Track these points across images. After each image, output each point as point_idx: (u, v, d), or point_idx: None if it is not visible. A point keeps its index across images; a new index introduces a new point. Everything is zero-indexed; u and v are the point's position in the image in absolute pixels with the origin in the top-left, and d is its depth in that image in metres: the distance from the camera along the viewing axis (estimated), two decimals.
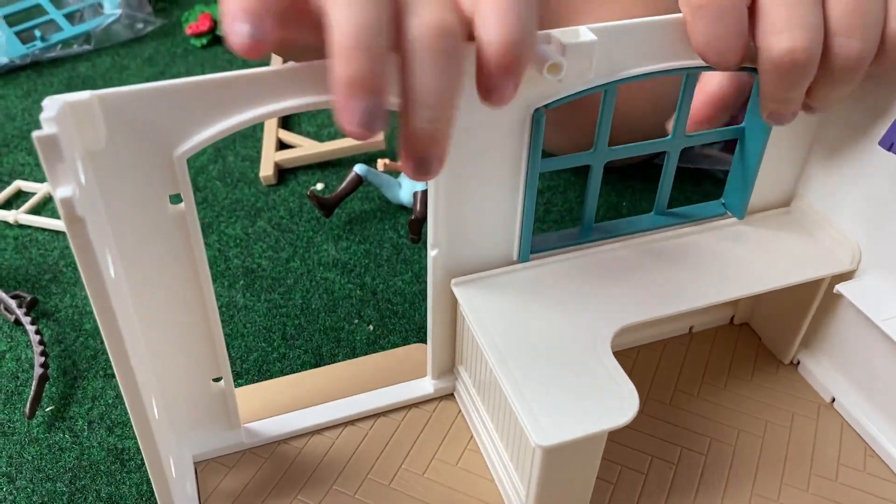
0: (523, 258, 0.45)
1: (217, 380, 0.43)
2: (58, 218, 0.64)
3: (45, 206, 0.66)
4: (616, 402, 0.38)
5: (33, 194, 0.67)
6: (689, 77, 0.42)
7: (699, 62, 0.40)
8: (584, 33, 0.37)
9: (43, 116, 0.28)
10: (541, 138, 0.40)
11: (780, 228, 0.48)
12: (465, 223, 0.42)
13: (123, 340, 0.33)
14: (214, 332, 0.41)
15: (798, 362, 0.52)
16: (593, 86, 0.39)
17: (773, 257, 0.46)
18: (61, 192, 0.28)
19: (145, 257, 0.37)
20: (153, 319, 0.39)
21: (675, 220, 0.48)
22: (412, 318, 0.57)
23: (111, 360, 0.33)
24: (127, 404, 0.35)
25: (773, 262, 0.46)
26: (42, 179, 0.69)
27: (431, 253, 0.43)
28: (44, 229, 0.64)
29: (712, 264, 0.46)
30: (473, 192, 0.41)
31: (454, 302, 0.45)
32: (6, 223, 0.64)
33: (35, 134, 0.28)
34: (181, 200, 0.36)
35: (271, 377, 0.52)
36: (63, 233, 0.63)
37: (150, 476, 0.38)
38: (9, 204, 0.66)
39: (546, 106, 0.39)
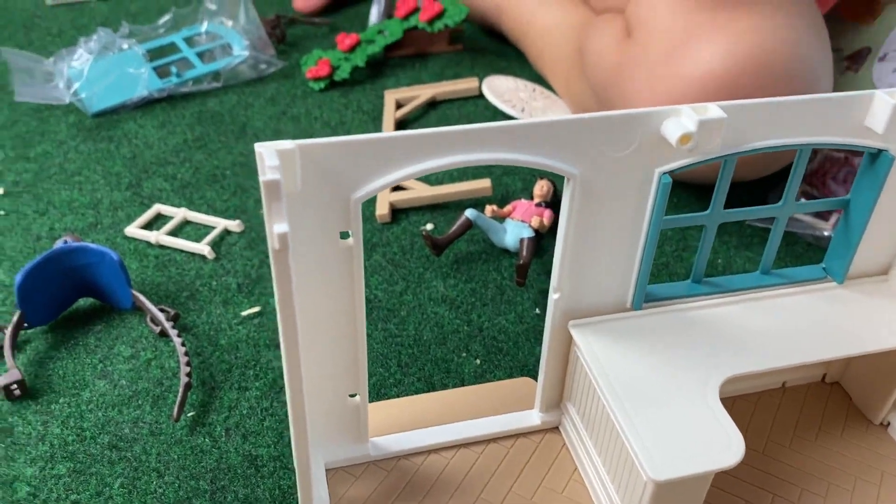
0: (636, 306, 0.49)
1: (353, 396, 0.48)
2: (194, 241, 0.70)
3: (181, 230, 0.73)
4: (724, 445, 0.42)
5: (171, 218, 0.74)
6: (802, 151, 0.46)
7: (815, 138, 0.44)
8: (713, 110, 0.41)
9: (267, 164, 0.34)
10: (665, 199, 0.44)
11: (877, 295, 0.51)
12: (586, 271, 0.47)
13: (299, 355, 0.38)
14: (360, 352, 0.46)
15: (888, 423, 0.54)
16: (716, 156, 0.43)
17: (870, 322, 0.49)
18: (278, 228, 0.33)
19: (313, 283, 0.42)
20: (309, 336, 0.44)
21: (778, 280, 0.51)
22: (516, 355, 0.61)
23: (285, 371, 0.38)
24: (290, 412, 0.40)
25: (869, 326, 0.49)
26: (178, 205, 0.76)
27: (553, 296, 0.47)
28: (181, 251, 0.70)
29: (813, 324, 0.49)
30: (598, 243, 0.45)
31: (569, 342, 0.49)
32: (148, 243, 0.71)
33: (263, 179, 0.33)
34: (349, 236, 0.41)
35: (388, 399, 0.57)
36: (199, 255, 0.70)
37: (298, 477, 0.43)
38: (149, 225, 0.73)
39: (672, 171, 0.43)
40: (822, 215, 0.72)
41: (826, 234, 0.70)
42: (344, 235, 0.41)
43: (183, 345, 0.58)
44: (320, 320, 0.44)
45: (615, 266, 0.47)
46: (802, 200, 0.50)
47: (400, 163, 0.39)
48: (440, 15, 0.98)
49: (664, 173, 0.43)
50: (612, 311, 0.49)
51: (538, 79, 0.99)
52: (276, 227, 0.33)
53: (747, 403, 0.56)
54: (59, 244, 0.62)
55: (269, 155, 0.35)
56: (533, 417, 0.53)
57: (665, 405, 0.44)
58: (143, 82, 0.91)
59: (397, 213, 0.76)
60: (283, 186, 0.37)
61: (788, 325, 0.49)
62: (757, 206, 0.48)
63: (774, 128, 0.44)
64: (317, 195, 0.39)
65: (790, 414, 0.55)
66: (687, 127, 0.40)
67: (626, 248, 0.46)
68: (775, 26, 0.66)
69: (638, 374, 0.45)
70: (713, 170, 0.46)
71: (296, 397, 0.39)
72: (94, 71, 0.91)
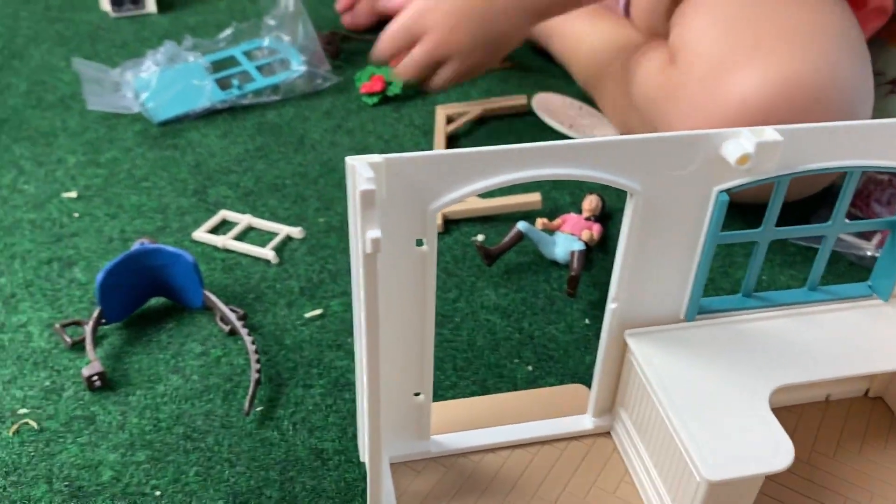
0: (689, 317, 0.51)
1: (417, 394, 0.51)
2: (258, 246, 0.74)
3: (245, 235, 0.77)
4: (773, 451, 0.44)
5: (236, 224, 0.77)
6: (852, 174, 0.48)
7: (864, 162, 0.47)
8: (770, 133, 0.44)
9: (364, 175, 0.37)
10: (722, 215, 0.47)
11: None
12: (644, 283, 0.49)
13: (379, 352, 0.41)
14: (426, 353, 0.49)
15: None
16: (771, 176, 0.46)
17: None
18: (371, 234, 0.37)
19: (388, 287, 0.45)
20: (382, 336, 0.47)
21: (825, 296, 0.54)
22: (566, 363, 0.64)
23: (365, 368, 0.41)
24: (366, 406, 0.43)
25: None
26: (242, 211, 0.79)
27: (611, 306, 0.50)
28: (246, 255, 0.74)
29: (858, 339, 0.51)
30: (656, 256, 0.48)
31: (623, 350, 0.52)
32: (214, 247, 0.75)
33: (360, 189, 0.36)
34: (424, 244, 0.44)
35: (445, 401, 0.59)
36: (263, 260, 0.73)
37: (368, 469, 0.46)
38: (215, 230, 0.77)
39: (729, 189, 0.46)
40: (865, 235, 0.74)
41: (869, 253, 0.72)
42: (419, 243, 0.44)
43: (253, 343, 0.61)
44: (392, 322, 0.47)
45: (671, 278, 0.49)
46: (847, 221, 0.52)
47: (475, 176, 0.42)
48: None
49: (722, 191, 0.46)
50: (665, 321, 0.51)
51: (584, 97, 1.02)
52: (369, 233, 0.37)
53: (791, 415, 0.58)
54: (136, 246, 0.66)
55: (362, 167, 0.38)
56: (585, 422, 0.56)
57: (717, 411, 0.46)
58: (206, 93, 0.95)
59: (449, 223, 0.79)
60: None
61: (835, 339, 0.51)
62: (807, 225, 0.51)
63: (827, 151, 0.46)
64: (398, 205, 0.42)
65: (834, 426, 0.57)
66: (746, 148, 0.43)
67: (682, 262, 0.49)
68: (812, 53, 0.68)
69: (691, 382, 0.48)
70: (761, 189, 0.48)
71: (373, 395, 0.43)
72: (161, 81, 0.96)
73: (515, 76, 1.07)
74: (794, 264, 0.75)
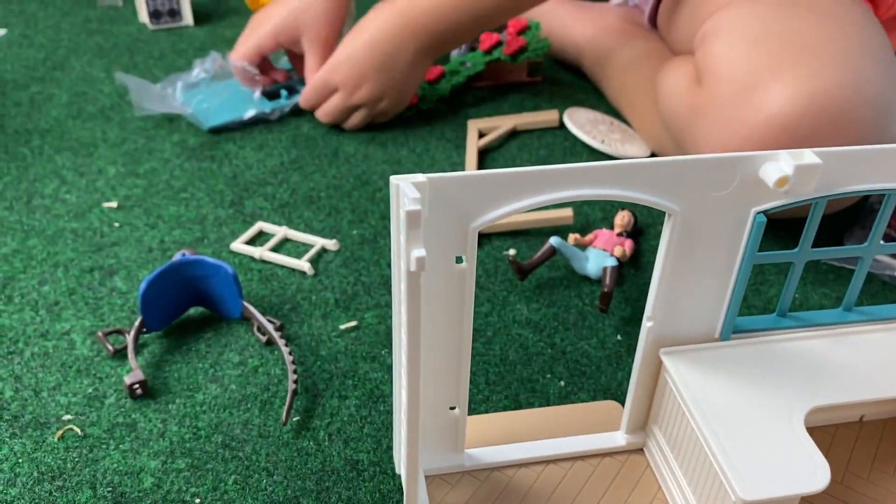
0: (725, 336, 0.52)
1: (452, 408, 0.52)
2: (294, 257, 0.75)
3: (282, 246, 0.78)
4: (810, 471, 0.44)
5: (273, 235, 0.79)
6: (890, 196, 0.49)
7: None
8: (809, 156, 0.44)
9: (411, 196, 0.38)
10: (759, 236, 0.47)
11: None
12: (680, 301, 0.50)
13: (420, 368, 0.42)
14: (463, 368, 0.49)
15: None
16: (808, 198, 0.46)
17: None
18: (417, 253, 0.37)
19: (427, 303, 0.46)
20: (421, 350, 0.48)
21: (861, 317, 0.54)
22: (598, 379, 0.64)
23: (405, 383, 0.42)
24: (405, 420, 0.44)
25: None
26: (278, 223, 0.81)
27: (647, 324, 0.50)
28: (282, 266, 0.75)
29: (894, 361, 0.51)
30: (693, 275, 0.48)
31: (658, 367, 0.52)
32: (251, 258, 0.76)
33: (406, 209, 0.37)
34: (463, 261, 0.45)
35: (477, 414, 0.60)
36: (299, 271, 0.75)
37: (404, 481, 0.47)
38: (252, 241, 0.78)
39: (766, 211, 0.46)
40: None
41: None
42: (458, 260, 0.45)
43: (290, 353, 0.63)
44: (430, 337, 0.48)
45: (707, 298, 0.50)
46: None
47: (517, 196, 0.43)
48: (523, 49, 1.02)
49: (759, 213, 0.46)
50: (701, 340, 0.52)
51: (613, 112, 1.02)
52: (414, 252, 0.37)
53: (825, 435, 0.58)
54: (177, 256, 0.67)
55: (407, 187, 0.39)
56: (618, 438, 0.56)
57: (753, 430, 0.46)
58: (254, 102, 0.99)
59: (481, 237, 0.79)
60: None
61: (871, 360, 0.51)
62: (844, 247, 0.51)
63: (865, 173, 0.46)
64: (439, 223, 0.43)
65: (868, 447, 0.57)
66: (784, 171, 0.43)
67: (718, 282, 0.49)
68: (838, 68, 0.67)
69: (726, 401, 0.48)
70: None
71: (413, 410, 0.43)
72: (210, 90, 1.00)
73: (546, 91, 1.08)
74: (827, 282, 0.75)
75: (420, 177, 0.41)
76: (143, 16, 1.25)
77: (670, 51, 0.94)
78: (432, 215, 0.43)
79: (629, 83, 0.98)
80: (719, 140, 0.71)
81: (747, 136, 0.69)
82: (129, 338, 0.64)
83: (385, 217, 0.82)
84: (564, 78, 1.12)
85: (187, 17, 1.26)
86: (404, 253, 0.39)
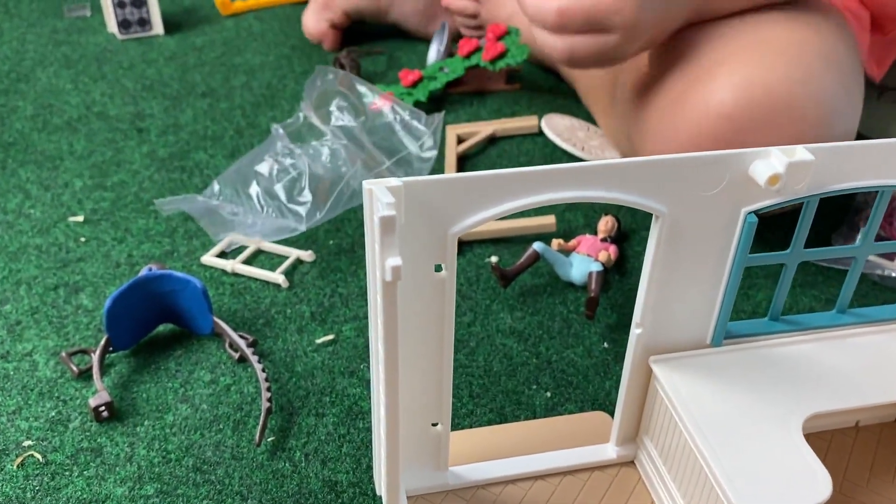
0: (716, 343, 0.49)
1: (435, 424, 0.49)
2: (268, 270, 0.73)
3: (255, 258, 0.75)
4: (811, 483, 0.42)
5: (245, 247, 0.76)
6: (883, 193, 0.47)
7: (893, 182, 0.45)
8: (801, 153, 0.42)
9: (385, 201, 0.36)
10: (750, 237, 0.45)
11: None
12: (669, 307, 0.48)
13: (398, 384, 0.39)
14: (445, 382, 0.47)
15: None
16: (799, 196, 0.44)
17: None
18: (392, 261, 0.35)
19: (406, 314, 0.44)
20: (401, 365, 0.46)
21: (855, 319, 0.52)
22: (586, 389, 0.62)
23: (384, 400, 0.40)
24: (384, 439, 0.41)
25: None
26: (251, 234, 0.78)
27: (636, 331, 0.48)
28: (256, 279, 0.72)
29: (891, 364, 0.49)
30: (682, 280, 0.46)
31: (648, 377, 0.50)
32: (223, 271, 0.73)
33: (380, 215, 0.35)
34: (442, 269, 0.43)
35: (462, 429, 0.58)
36: (273, 284, 0.72)
37: (385, 501, 0.44)
38: (224, 254, 0.76)
39: (757, 211, 0.44)
40: (888, 255, 0.72)
41: (894, 274, 0.70)
42: (438, 268, 0.43)
43: (263, 370, 0.60)
44: (410, 350, 0.45)
45: (697, 303, 0.48)
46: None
47: (498, 199, 0.41)
48: (502, 55, 1.01)
49: (750, 213, 0.44)
50: (691, 346, 0.50)
51: (591, 118, 1.01)
52: (389, 261, 0.35)
53: (821, 441, 0.56)
54: (144, 271, 0.65)
55: (381, 192, 0.37)
56: (608, 451, 0.54)
57: (749, 441, 0.44)
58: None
59: (462, 245, 0.77)
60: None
61: (867, 364, 0.50)
62: (837, 247, 0.49)
63: (858, 170, 0.45)
64: (416, 229, 0.41)
65: (865, 453, 0.55)
66: (776, 168, 0.41)
67: (708, 286, 0.47)
68: (782, 62, 0.65)
69: (720, 410, 0.46)
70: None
71: (392, 429, 0.41)
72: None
73: (525, 97, 1.06)
74: (816, 284, 0.73)
75: (395, 181, 0.39)
76: (112, 26, 1.22)
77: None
78: (409, 221, 0.40)
79: (595, 81, 0.96)
80: (663, 137, 0.69)
81: (691, 128, 0.66)
82: (95, 357, 0.61)
83: (363, 225, 0.80)
84: (544, 84, 1.10)
85: (157, 27, 1.23)
86: (379, 262, 0.36)
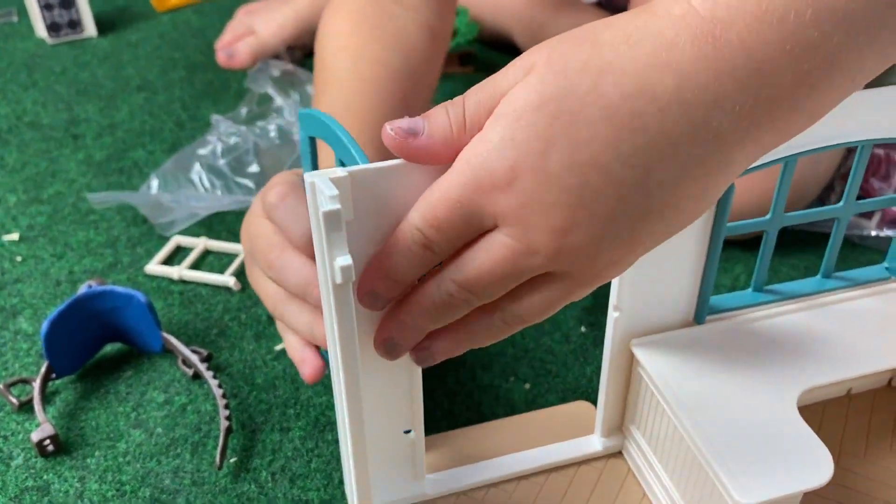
0: (700, 319, 0.46)
1: (408, 432, 0.46)
2: (217, 272, 0.68)
3: (203, 261, 0.71)
4: (810, 463, 0.39)
5: (191, 249, 0.71)
6: (863, 149, 0.44)
7: (877, 135, 0.42)
8: None
9: (328, 194, 0.32)
10: (729, 204, 0.42)
11: None
12: (647, 287, 0.44)
13: (360, 391, 0.36)
14: (415, 385, 0.43)
15: None
16: (776, 158, 0.41)
17: None
18: (341, 261, 0.31)
19: (366, 315, 0.40)
20: (364, 370, 0.42)
21: (841, 283, 0.49)
22: (566, 377, 0.59)
23: (346, 409, 0.36)
24: (350, 451, 0.38)
25: None
26: (197, 234, 0.73)
27: (614, 315, 0.45)
28: (206, 284, 0.68)
29: (882, 329, 0.47)
30: (660, 255, 0.43)
31: (630, 362, 0.47)
32: (170, 279, 0.69)
33: (323, 210, 0.31)
34: None
35: (438, 432, 0.54)
36: (224, 287, 0.67)
37: None
38: (170, 260, 0.71)
39: None
40: (865, 214, 0.70)
41: (873, 233, 0.68)
42: None
43: (220, 387, 0.56)
44: (373, 352, 0.42)
45: (677, 278, 0.45)
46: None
47: None
48: (453, 35, 0.96)
49: None
50: (674, 326, 0.47)
51: None
52: (338, 261, 0.31)
53: (813, 414, 0.53)
54: (83, 289, 0.60)
55: (324, 184, 0.33)
56: (594, 443, 0.51)
57: (743, 422, 0.41)
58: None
59: None
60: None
61: (857, 331, 0.47)
62: (819, 209, 0.46)
63: (834, 125, 0.42)
64: (368, 223, 0.37)
65: (860, 422, 0.53)
66: None
67: (688, 259, 0.44)
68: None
69: (710, 392, 0.43)
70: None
71: (357, 440, 0.37)
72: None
73: (480, 80, 1.02)
74: (793, 253, 0.70)
75: (339, 171, 0.35)
76: (41, 30, 1.16)
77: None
78: (360, 216, 0.36)
79: None
80: None
81: None
82: (36, 386, 0.56)
83: None
84: (500, 63, 1.06)
85: (89, 28, 1.17)
86: (328, 262, 0.33)
